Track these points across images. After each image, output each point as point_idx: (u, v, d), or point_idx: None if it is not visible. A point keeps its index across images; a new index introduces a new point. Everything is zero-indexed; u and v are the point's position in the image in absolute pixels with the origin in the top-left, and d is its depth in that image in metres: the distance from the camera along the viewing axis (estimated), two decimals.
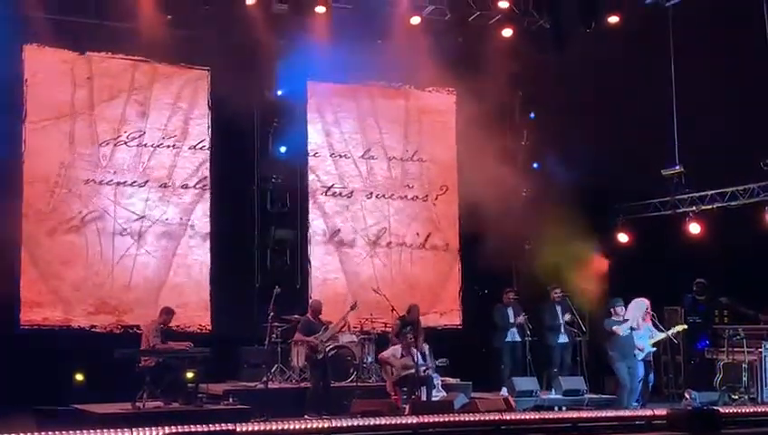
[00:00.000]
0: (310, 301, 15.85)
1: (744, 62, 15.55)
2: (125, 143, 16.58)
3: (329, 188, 17.96)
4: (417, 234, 18.40)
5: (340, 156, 18.08)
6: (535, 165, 18.65)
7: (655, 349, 15.52)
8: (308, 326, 14.85)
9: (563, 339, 16.71)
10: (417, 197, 18.50)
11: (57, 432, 10.08)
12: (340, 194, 18.02)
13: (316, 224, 17.81)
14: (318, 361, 14.67)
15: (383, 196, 18.26)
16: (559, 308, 16.77)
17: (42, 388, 13.69)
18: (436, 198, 18.62)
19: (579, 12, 16.60)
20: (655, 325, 15.41)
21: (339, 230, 17.92)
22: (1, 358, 14.22)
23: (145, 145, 16.68)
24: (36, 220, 15.88)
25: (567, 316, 16.64)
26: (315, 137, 17.94)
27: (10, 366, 14.15)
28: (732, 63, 15.67)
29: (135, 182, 16.58)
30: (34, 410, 12.65)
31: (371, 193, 18.21)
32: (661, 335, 15.36)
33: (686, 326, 15.90)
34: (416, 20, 17.18)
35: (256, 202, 17.14)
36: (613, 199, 18.16)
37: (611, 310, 15.15)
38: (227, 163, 16.95)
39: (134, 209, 16.52)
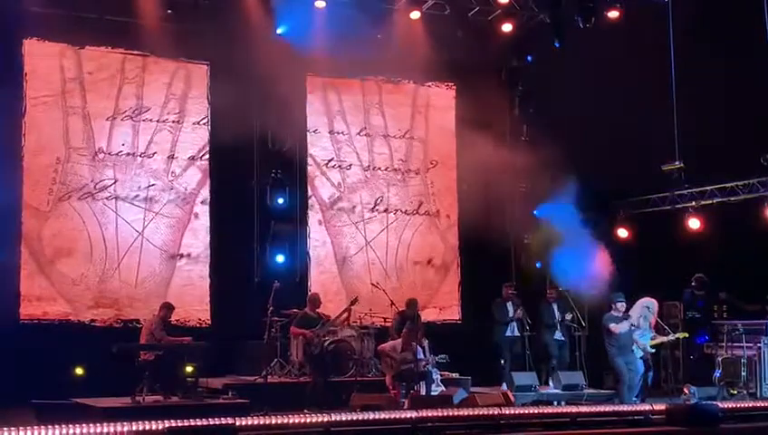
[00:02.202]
0: (308, 294, 15.84)
1: (743, 57, 15.55)
2: (131, 118, 16.67)
3: (328, 161, 18.05)
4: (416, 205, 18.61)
5: (338, 133, 18.17)
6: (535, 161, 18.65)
7: (654, 350, 15.54)
8: (304, 320, 14.84)
9: (559, 337, 16.76)
10: (410, 170, 18.68)
11: (57, 426, 10.09)
12: (339, 166, 18.10)
13: (314, 199, 17.98)
14: (315, 355, 14.67)
15: (379, 168, 18.44)
16: (555, 306, 16.79)
17: (41, 381, 13.70)
18: (428, 171, 18.79)
19: (579, 7, 16.58)
20: (659, 328, 15.42)
21: (340, 198, 18.05)
22: (1, 352, 14.21)
23: (147, 119, 16.76)
24: (36, 213, 15.89)
25: (567, 315, 16.66)
26: (314, 120, 18.07)
27: (10, 360, 14.15)
28: (732, 58, 15.66)
29: (135, 175, 16.65)
30: (34, 404, 12.64)
31: (369, 166, 18.31)
32: (662, 338, 15.38)
33: (687, 334, 15.93)
34: (415, 15, 17.19)
35: (256, 197, 17.15)
36: (613, 195, 18.16)
37: (612, 305, 15.14)
38: (227, 157, 16.94)
39: (135, 202, 16.55)
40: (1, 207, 15.05)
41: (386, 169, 18.46)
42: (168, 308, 14.42)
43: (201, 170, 17.09)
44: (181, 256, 16.85)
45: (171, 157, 16.92)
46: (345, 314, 15.59)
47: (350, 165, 18.23)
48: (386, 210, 18.38)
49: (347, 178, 18.20)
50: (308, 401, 14.04)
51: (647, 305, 15.14)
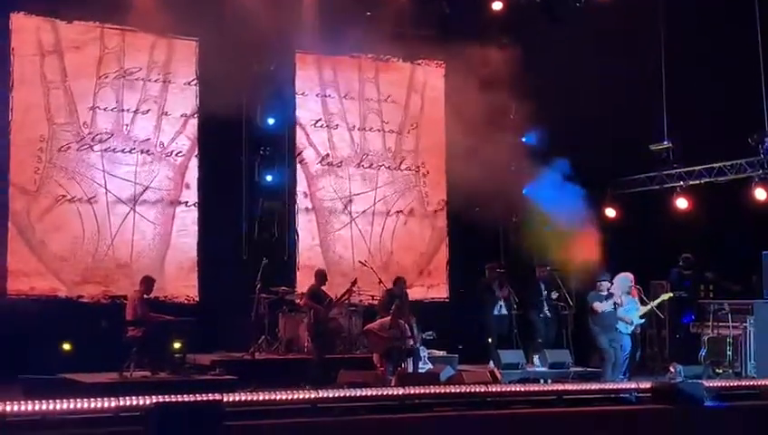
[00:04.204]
0: (316, 269, 15.83)
1: (733, 38, 15.57)
2: (123, 77, 16.56)
3: (315, 122, 18.04)
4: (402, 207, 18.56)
5: (324, 95, 18.16)
6: (524, 139, 18.64)
7: (643, 320, 15.59)
8: (316, 295, 14.85)
9: (545, 314, 16.79)
10: (409, 153, 18.72)
11: (44, 401, 10.10)
12: (327, 126, 18.10)
13: (302, 173, 17.94)
14: (320, 333, 14.69)
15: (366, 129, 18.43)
16: (543, 285, 16.83)
17: (29, 357, 13.68)
18: (412, 131, 18.82)
19: None
20: (641, 299, 15.48)
21: (328, 155, 18.05)
22: None
23: (137, 79, 16.68)
24: (24, 191, 15.80)
25: (553, 294, 16.72)
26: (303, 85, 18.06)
27: None
28: (721, 39, 15.68)
29: (123, 149, 16.54)
30: (21, 380, 12.63)
31: (354, 126, 18.31)
32: (647, 307, 15.45)
33: (671, 294, 15.96)
34: None
35: (244, 174, 17.11)
36: (601, 174, 18.16)
37: (596, 284, 15.22)
38: (215, 134, 16.89)
39: (124, 177, 16.50)
40: None
41: (371, 130, 18.42)
42: (147, 282, 14.37)
43: (190, 143, 16.97)
44: (168, 232, 16.79)
45: (164, 114, 16.84)
46: (347, 295, 15.64)
47: (337, 125, 18.21)
48: (370, 166, 18.35)
49: (333, 138, 18.14)
50: (309, 377, 14.01)
51: (625, 281, 15.21)
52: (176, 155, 16.94)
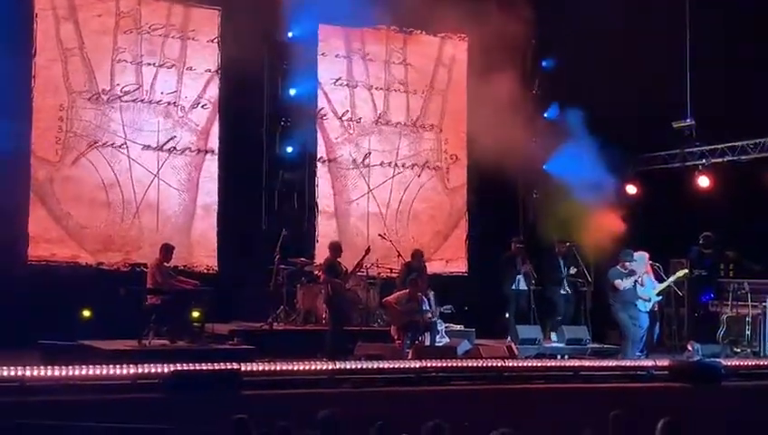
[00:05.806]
0: (330, 242, 15.74)
1: (758, 15, 15.45)
2: (137, 31, 16.46)
3: (336, 80, 17.96)
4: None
5: (345, 56, 18.08)
6: (545, 114, 18.54)
7: (661, 298, 15.55)
8: (334, 268, 14.82)
9: (565, 291, 16.76)
10: (431, 127, 18.70)
11: (63, 367, 10.18)
12: (347, 85, 18.04)
13: (322, 142, 17.90)
14: (339, 305, 14.69)
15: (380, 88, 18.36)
16: (562, 261, 16.79)
17: (49, 323, 13.76)
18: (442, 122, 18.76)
19: None
20: (657, 276, 15.46)
21: (347, 111, 17.99)
22: (8, 293, 14.26)
23: (151, 64, 16.55)
24: (46, 162, 15.80)
25: (572, 269, 16.69)
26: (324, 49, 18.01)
27: (17, 301, 14.21)
28: (747, 17, 15.56)
29: (150, 100, 16.48)
30: (41, 345, 12.72)
31: (371, 86, 18.23)
32: (664, 284, 15.42)
33: (686, 271, 15.90)
34: None
35: (264, 145, 17.11)
36: (623, 151, 18.07)
37: (619, 261, 15.16)
38: (236, 106, 16.87)
39: (145, 142, 16.47)
40: (11, 152, 15.01)
41: (389, 90, 18.34)
42: (166, 249, 14.29)
43: (211, 106, 16.91)
44: (189, 201, 16.80)
45: (188, 69, 16.74)
46: (359, 266, 15.59)
47: (357, 84, 18.12)
48: (387, 122, 18.25)
49: (354, 97, 18.03)
50: (326, 348, 14.03)
51: (641, 259, 15.18)
52: (202, 107, 16.81)
